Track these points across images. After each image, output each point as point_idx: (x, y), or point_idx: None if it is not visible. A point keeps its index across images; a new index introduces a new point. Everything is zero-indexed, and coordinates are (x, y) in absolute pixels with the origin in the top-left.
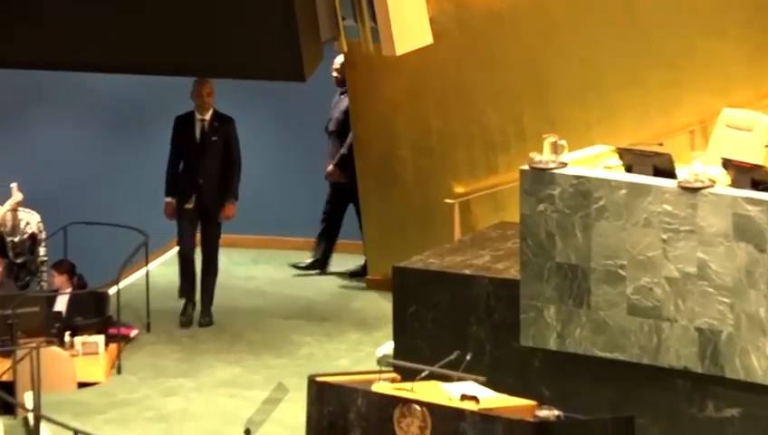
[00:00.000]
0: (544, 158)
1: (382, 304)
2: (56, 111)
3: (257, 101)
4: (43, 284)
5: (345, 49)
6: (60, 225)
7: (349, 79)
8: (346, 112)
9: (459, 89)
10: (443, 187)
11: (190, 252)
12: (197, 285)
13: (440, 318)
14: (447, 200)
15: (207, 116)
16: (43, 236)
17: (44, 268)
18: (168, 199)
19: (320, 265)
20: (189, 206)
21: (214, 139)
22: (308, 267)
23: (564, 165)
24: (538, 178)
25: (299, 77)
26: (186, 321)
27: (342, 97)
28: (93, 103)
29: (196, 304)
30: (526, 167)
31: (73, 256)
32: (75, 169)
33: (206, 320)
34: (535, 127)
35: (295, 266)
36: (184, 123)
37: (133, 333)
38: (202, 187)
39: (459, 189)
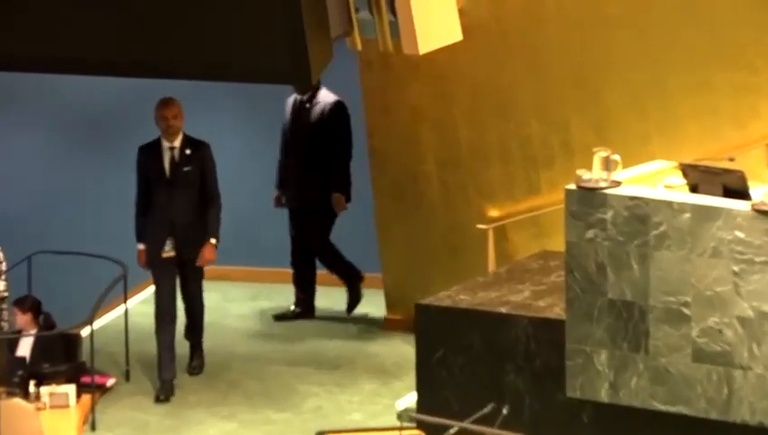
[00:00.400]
0: (594, 175)
1: (403, 349)
2: (21, 117)
3: (254, 115)
4: (3, 324)
5: (359, 47)
6: (23, 254)
7: (363, 82)
8: (322, 124)
9: (494, 93)
10: (474, 209)
11: (169, 312)
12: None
13: (471, 365)
14: (480, 225)
15: (177, 143)
16: (4, 267)
17: (5, 306)
18: (141, 247)
19: (306, 312)
20: (168, 254)
21: (186, 169)
22: (296, 317)
23: (618, 184)
24: (587, 200)
25: (305, 79)
26: (164, 398)
27: (309, 105)
28: (65, 110)
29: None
30: (573, 186)
31: (39, 291)
32: (42, 188)
33: (195, 367)
34: (584, 139)
35: (280, 318)
36: (149, 154)
37: (110, 382)
38: (176, 228)
39: (494, 212)
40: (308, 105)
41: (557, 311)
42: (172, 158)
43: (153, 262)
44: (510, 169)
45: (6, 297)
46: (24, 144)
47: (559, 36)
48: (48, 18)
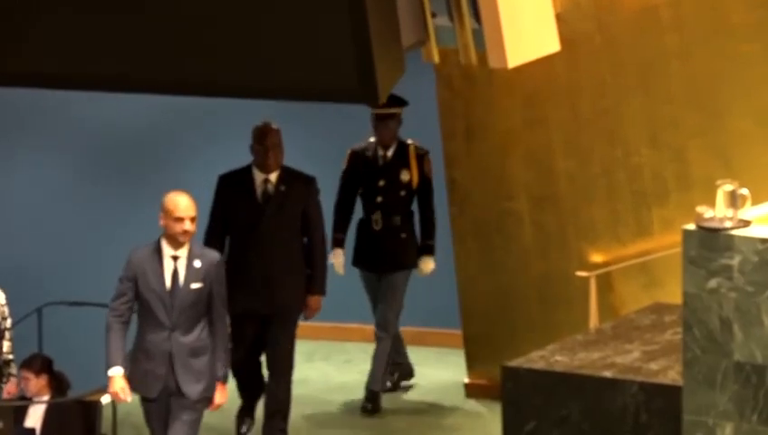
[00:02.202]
0: (718, 213)
1: (486, 420)
2: (27, 146)
3: (312, 138)
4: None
5: (436, 59)
6: (32, 306)
7: (441, 102)
8: (300, 211)
9: (597, 116)
10: (573, 254)
11: None
12: None
13: None
14: (580, 273)
15: (184, 252)
16: (8, 323)
17: (12, 370)
18: (118, 372)
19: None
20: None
21: (196, 287)
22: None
23: (746, 223)
24: (709, 242)
25: (372, 98)
26: None
27: (283, 187)
28: (81, 138)
29: None
30: (692, 226)
31: (51, 350)
32: (54, 229)
33: None
34: (705, 169)
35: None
36: (147, 263)
37: None
38: (173, 359)
39: (597, 258)
40: (282, 187)
41: (672, 375)
42: (175, 271)
43: (144, 401)
44: (617, 205)
45: (12, 360)
46: (34, 180)
47: (676, 49)
48: (76, 32)
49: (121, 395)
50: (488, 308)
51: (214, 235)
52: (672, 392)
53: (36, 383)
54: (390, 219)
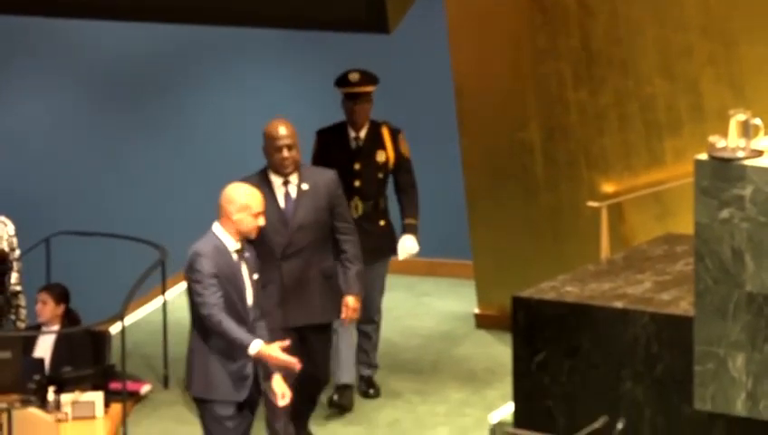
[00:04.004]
0: (731, 143)
1: (497, 351)
2: (33, 73)
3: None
4: (20, 323)
5: None
6: (39, 236)
7: (451, 32)
8: (327, 209)
9: (610, 45)
10: (585, 184)
11: None
12: None
13: (580, 370)
14: (591, 203)
15: (239, 243)
16: (17, 254)
17: (21, 301)
18: (258, 346)
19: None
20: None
21: (256, 278)
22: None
23: (759, 153)
24: (721, 173)
25: (381, 27)
26: None
27: (306, 184)
28: (91, 65)
29: None
30: (704, 156)
31: (59, 280)
32: (61, 159)
33: None
34: (717, 99)
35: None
36: (222, 259)
37: (144, 389)
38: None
39: (608, 188)
40: (304, 186)
41: (684, 306)
42: (238, 261)
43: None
44: (628, 135)
45: (21, 292)
46: (41, 107)
47: None
48: None
49: (284, 357)
50: (499, 239)
51: None
52: (683, 323)
53: (53, 310)
54: (369, 205)
